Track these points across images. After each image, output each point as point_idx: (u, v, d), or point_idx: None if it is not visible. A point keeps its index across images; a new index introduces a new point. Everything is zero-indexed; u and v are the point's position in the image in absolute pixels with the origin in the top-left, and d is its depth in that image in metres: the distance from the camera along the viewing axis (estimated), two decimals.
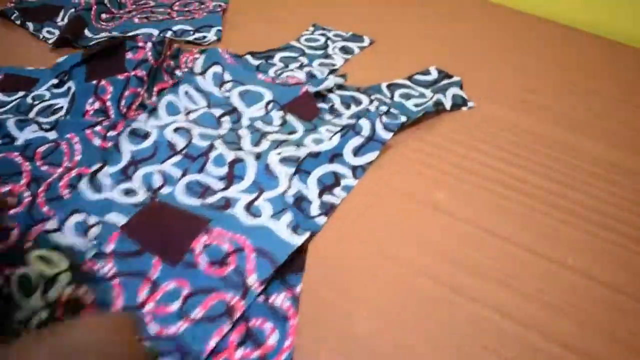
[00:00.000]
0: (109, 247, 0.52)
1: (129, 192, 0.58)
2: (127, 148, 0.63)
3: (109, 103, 0.69)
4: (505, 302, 0.52)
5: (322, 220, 0.57)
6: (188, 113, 0.67)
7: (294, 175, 0.61)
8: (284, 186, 0.59)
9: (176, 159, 0.62)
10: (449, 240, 0.58)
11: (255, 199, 0.58)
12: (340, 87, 0.77)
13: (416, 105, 0.75)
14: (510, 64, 0.89)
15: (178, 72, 0.77)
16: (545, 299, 0.52)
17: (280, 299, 0.49)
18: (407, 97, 0.78)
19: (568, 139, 0.73)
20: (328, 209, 0.59)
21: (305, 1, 1.03)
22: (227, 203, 0.57)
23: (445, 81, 0.81)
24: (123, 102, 0.69)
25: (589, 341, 0.49)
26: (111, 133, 0.65)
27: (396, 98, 0.77)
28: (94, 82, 0.71)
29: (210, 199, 0.58)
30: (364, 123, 0.66)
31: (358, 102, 0.75)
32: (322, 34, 0.92)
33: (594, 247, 0.58)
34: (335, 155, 0.64)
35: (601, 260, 0.57)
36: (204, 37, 0.87)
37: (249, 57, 0.83)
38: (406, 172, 0.66)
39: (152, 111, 0.68)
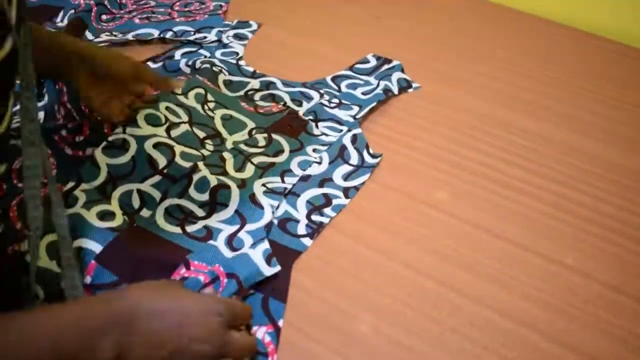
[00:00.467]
0: (87, 280, 0.48)
1: (105, 215, 0.53)
2: (104, 161, 0.57)
3: (69, 105, 0.63)
4: (505, 302, 0.52)
5: (307, 241, 0.56)
6: (169, 128, 0.62)
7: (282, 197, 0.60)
8: (268, 218, 0.57)
9: (156, 179, 0.58)
10: (449, 240, 0.58)
11: (238, 231, 0.55)
12: (286, 84, 0.78)
13: (364, 94, 0.77)
14: (510, 63, 0.89)
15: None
16: (546, 299, 0.52)
17: (261, 333, 0.47)
18: (354, 87, 0.79)
19: (568, 139, 0.73)
20: (315, 229, 0.57)
21: (301, 2, 1.03)
22: (209, 233, 0.55)
23: (386, 66, 0.83)
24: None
25: (589, 341, 0.49)
26: (79, 138, 0.61)
27: (343, 89, 0.79)
28: (58, 86, 0.65)
29: (191, 228, 0.55)
30: (353, 152, 0.66)
31: (308, 98, 0.75)
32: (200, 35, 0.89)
33: (594, 247, 0.58)
34: (325, 180, 0.63)
35: (601, 260, 0.57)
36: (205, 37, 0.87)
37: (150, 64, 0.79)
38: (406, 172, 0.66)
39: (129, 122, 0.61)
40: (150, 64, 0.80)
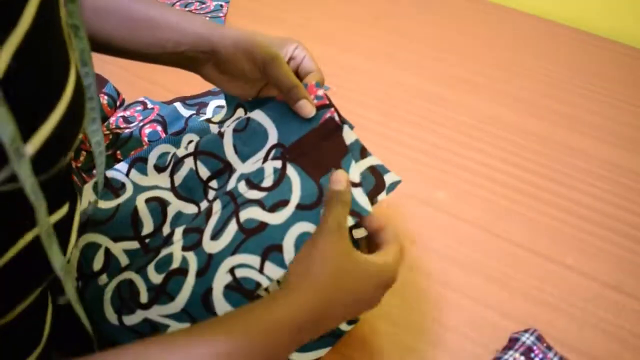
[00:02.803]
0: None
1: None
2: (88, 196, 0.48)
3: None
4: (505, 302, 0.52)
5: None
6: (174, 170, 0.50)
7: None
8: None
9: (133, 245, 0.47)
10: (449, 240, 0.58)
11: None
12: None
13: None
14: (510, 63, 0.89)
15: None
16: (546, 299, 0.52)
17: None
18: None
19: (568, 139, 0.73)
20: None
21: (301, 2, 1.03)
22: (154, 330, 0.43)
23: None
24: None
25: (589, 341, 0.49)
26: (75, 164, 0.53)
27: None
28: None
29: (130, 319, 0.43)
30: None
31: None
32: None
33: (594, 247, 0.58)
34: None
35: (601, 260, 0.57)
36: None
37: (179, 105, 0.64)
38: (406, 172, 0.66)
39: (137, 161, 0.51)
40: (179, 105, 0.65)
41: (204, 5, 0.98)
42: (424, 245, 0.57)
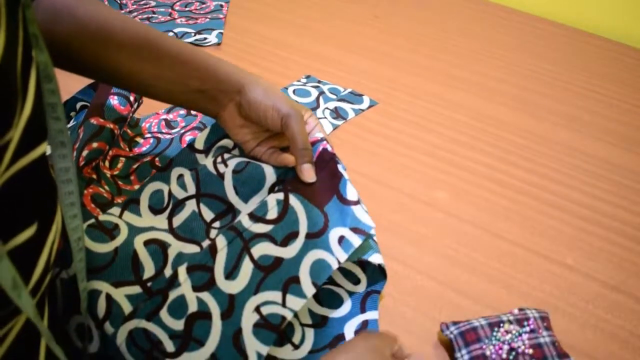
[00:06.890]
0: None
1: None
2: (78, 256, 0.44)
3: (74, 154, 0.52)
4: (505, 302, 0.52)
5: None
6: (173, 212, 0.49)
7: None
8: None
9: (135, 289, 0.44)
10: (449, 240, 0.58)
11: None
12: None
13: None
14: (510, 63, 0.89)
15: (139, 140, 0.61)
16: (546, 299, 0.53)
17: None
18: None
19: (568, 139, 0.73)
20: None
21: (301, 2, 1.03)
22: None
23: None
24: (84, 154, 0.52)
25: (589, 341, 0.49)
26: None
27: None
28: (78, 130, 0.55)
29: None
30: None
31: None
32: (315, 86, 0.78)
33: (594, 247, 0.58)
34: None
35: (601, 260, 0.57)
36: (205, 38, 0.87)
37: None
38: (406, 172, 0.66)
39: (131, 202, 0.50)
40: None
41: (204, 5, 0.98)
42: (424, 245, 0.57)
